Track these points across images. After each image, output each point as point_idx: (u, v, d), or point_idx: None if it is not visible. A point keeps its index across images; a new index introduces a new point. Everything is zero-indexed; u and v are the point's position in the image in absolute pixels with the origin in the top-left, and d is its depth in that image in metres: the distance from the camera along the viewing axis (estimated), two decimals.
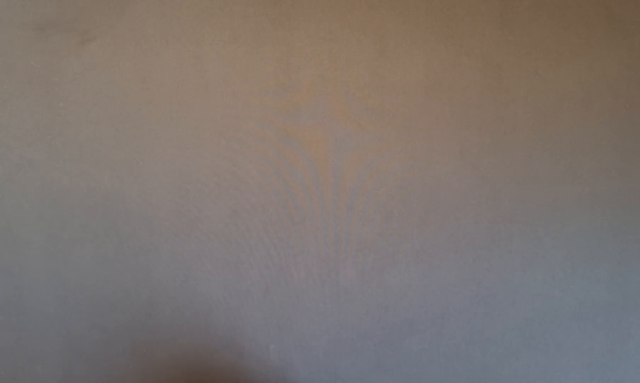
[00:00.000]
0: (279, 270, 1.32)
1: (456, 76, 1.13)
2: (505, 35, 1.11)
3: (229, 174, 1.26)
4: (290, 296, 1.35)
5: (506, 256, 1.23)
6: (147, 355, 1.35)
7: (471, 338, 1.31)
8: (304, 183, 1.24)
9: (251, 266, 1.31)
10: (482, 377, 1.32)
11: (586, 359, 1.27)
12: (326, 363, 1.38)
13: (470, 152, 1.17)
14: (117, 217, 1.31)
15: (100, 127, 1.26)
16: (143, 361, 1.35)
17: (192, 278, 1.33)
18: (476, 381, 1.33)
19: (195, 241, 1.31)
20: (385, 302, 1.32)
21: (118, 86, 1.23)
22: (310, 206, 1.26)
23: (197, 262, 1.32)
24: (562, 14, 1.10)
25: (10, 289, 1.35)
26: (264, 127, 1.21)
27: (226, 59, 1.17)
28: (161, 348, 1.35)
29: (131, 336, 1.38)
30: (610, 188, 1.16)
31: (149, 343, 1.34)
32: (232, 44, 1.15)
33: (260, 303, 1.36)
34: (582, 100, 1.13)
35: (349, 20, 1.12)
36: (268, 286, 1.35)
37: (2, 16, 1.21)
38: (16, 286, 1.35)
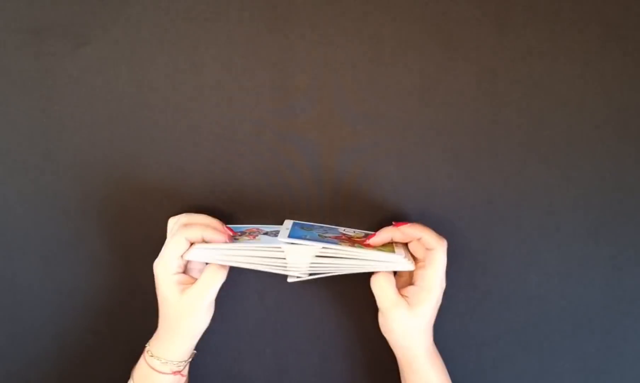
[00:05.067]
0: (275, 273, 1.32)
1: (451, 81, 1.14)
2: (500, 40, 1.12)
3: (224, 179, 1.25)
4: (287, 299, 1.35)
5: (500, 260, 1.24)
6: None
7: (466, 343, 1.31)
8: (300, 188, 1.24)
9: (247, 270, 1.30)
10: (477, 381, 1.32)
11: (581, 363, 1.27)
12: (322, 368, 1.38)
13: (465, 156, 1.17)
14: (112, 221, 1.30)
15: (95, 132, 1.26)
16: None
17: None
18: None
19: None
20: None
21: (113, 90, 1.23)
22: (306, 210, 1.25)
23: None
24: (557, 19, 1.10)
25: (4, 294, 1.35)
26: (259, 131, 1.21)
27: (222, 63, 1.17)
28: None
29: (127, 340, 1.37)
30: (605, 192, 1.17)
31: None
32: (227, 48, 1.15)
33: (256, 306, 1.36)
34: (577, 104, 1.14)
35: (345, 24, 1.12)
36: (264, 290, 1.35)
37: None
38: (10, 291, 1.35)
